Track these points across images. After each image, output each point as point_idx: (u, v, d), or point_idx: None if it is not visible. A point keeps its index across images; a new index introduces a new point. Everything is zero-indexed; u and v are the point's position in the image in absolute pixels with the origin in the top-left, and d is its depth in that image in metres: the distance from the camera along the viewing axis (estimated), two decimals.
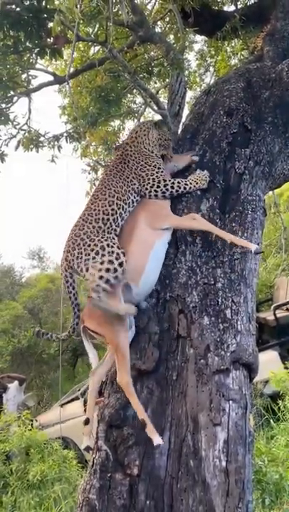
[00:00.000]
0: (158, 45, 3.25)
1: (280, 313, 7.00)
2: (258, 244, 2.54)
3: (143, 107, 5.23)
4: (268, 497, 3.75)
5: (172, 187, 2.53)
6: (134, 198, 2.54)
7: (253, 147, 2.80)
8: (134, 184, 2.55)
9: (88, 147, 5.01)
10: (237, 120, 2.89)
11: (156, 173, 2.56)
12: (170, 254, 2.45)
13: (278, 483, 3.85)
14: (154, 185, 2.53)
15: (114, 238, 2.30)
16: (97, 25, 3.10)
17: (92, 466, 2.07)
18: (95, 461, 2.06)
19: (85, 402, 6.93)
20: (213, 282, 2.32)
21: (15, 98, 3.44)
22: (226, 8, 5.16)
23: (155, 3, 5.03)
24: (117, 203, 2.42)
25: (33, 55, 3.10)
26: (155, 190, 2.52)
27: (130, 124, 5.05)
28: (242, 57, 5.21)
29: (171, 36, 5.10)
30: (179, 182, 2.56)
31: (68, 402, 7.34)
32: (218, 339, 2.15)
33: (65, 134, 4.01)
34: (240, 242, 2.36)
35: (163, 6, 4.93)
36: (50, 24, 2.43)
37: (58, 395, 8.45)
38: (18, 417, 6.12)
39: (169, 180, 2.55)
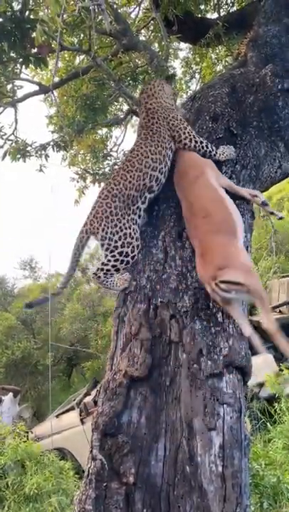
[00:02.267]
0: (142, 53, 3.28)
1: (273, 316, 7.02)
2: (247, 247, 2.55)
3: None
4: (266, 501, 3.73)
5: (207, 146, 2.68)
6: (169, 159, 2.62)
7: (239, 151, 2.82)
8: (170, 142, 2.62)
9: (76, 156, 5.02)
10: (222, 125, 2.91)
11: (188, 126, 2.69)
12: (160, 260, 2.45)
13: (276, 487, 3.84)
14: (191, 139, 2.64)
15: (137, 227, 2.42)
16: (81, 35, 3.13)
17: (87, 475, 2.04)
18: (90, 470, 2.03)
19: (81, 412, 6.90)
20: (203, 286, 2.33)
21: (1, 109, 3.45)
22: (208, 16, 5.23)
23: (138, 12, 5.09)
24: (151, 175, 2.48)
25: (18, 64, 3.11)
26: (194, 145, 2.65)
27: (117, 132, 5.10)
28: (226, 63, 5.27)
29: (156, 44, 5.15)
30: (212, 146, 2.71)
31: (64, 412, 7.28)
32: (211, 343, 2.15)
33: (51, 143, 4.01)
34: None
35: (146, 15, 4.98)
36: (34, 34, 2.44)
37: (55, 406, 8.38)
38: (13, 429, 6.06)
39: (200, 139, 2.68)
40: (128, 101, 3.85)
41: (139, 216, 2.49)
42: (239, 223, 2.37)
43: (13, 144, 3.73)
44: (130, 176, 2.43)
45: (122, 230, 2.34)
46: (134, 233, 2.39)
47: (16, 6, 2.81)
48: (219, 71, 5.43)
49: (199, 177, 2.51)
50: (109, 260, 2.35)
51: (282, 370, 5.79)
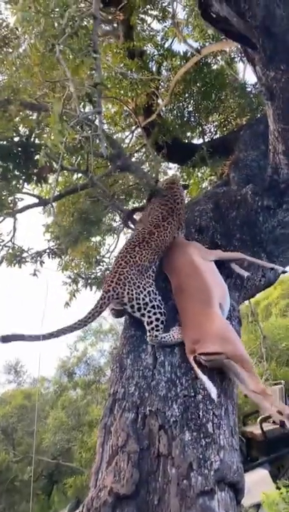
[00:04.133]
0: (134, 173, 3.63)
1: (267, 427, 6.70)
2: None
3: (122, 225, 5.59)
4: None
5: None
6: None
7: (224, 261, 2.99)
8: (176, 233, 3.04)
9: (71, 261, 5.20)
10: (207, 237, 3.14)
11: None
12: (149, 365, 2.45)
13: None
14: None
15: (153, 285, 2.70)
16: (80, 158, 3.48)
17: None
18: None
19: None
20: (193, 394, 2.30)
21: (0, 218, 3.68)
22: (194, 141, 5.84)
23: (132, 139, 5.69)
24: (158, 254, 2.84)
25: (20, 180, 3.40)
26: None
27: (110, 240, 5.37)
28: (211, 181, 5.77)
29: (147, 164, 5.66)
30: None
31: None
32: (201, 456, 2.06)
33: (47, 251, 4.21)
34: None
35: (139, 140, 5.57)
36: (37, 156, 2.73)
37: None
38: None
39: None
40: (120, 214, 4.15)
41: (152, 278, 2.78)
42: (215, 289, 2.57)
43: (10, 251, 3.91)
44: (146, 252, 2.78)
45: (145, 289, 2.61)
46: (154, 289, 2.67)
47: (23, 131, 3.17)
48: (205, 187, 5.91)
49: (181, 257, 2.82)
50: (150, 317, 2.55)
51: (279, 488, 5.37)
